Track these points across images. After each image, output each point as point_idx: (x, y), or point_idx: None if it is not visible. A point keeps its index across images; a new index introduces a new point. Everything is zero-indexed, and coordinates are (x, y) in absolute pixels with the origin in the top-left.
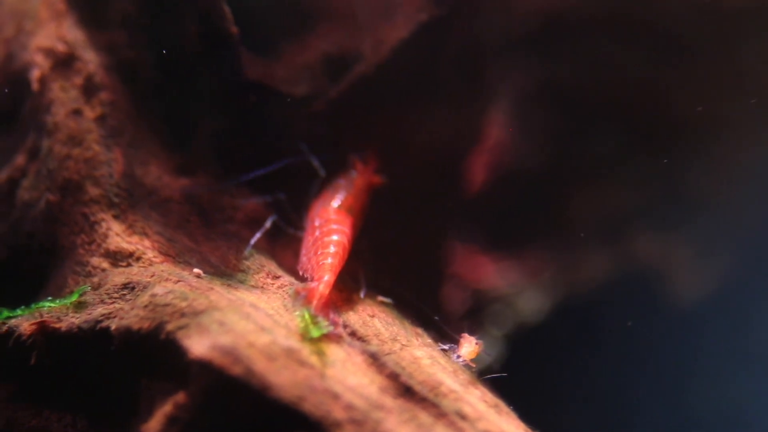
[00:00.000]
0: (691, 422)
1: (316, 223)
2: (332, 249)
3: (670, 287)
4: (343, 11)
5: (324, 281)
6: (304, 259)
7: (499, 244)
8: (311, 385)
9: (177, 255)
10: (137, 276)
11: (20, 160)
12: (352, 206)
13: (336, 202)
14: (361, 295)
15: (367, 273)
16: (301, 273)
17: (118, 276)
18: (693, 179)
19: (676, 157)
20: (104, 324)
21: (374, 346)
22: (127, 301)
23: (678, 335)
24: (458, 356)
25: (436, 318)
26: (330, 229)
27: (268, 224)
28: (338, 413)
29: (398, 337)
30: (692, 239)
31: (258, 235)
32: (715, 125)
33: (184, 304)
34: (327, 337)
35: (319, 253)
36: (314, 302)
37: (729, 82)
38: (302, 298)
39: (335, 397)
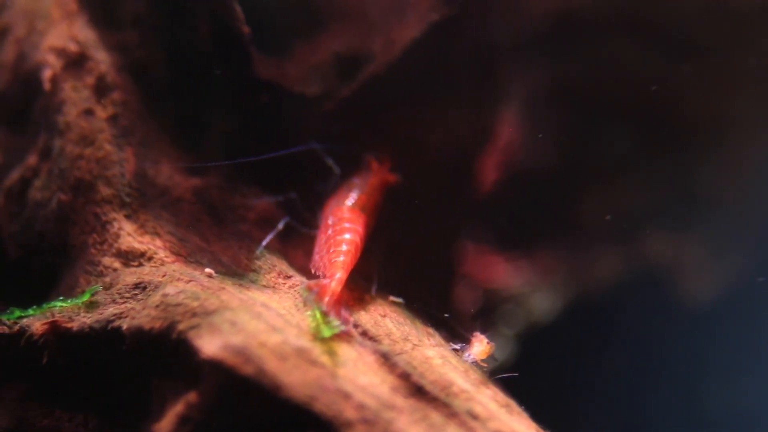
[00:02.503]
0: (703, 421)
1: (330, 221)
2: (344, 247)
3: (682, 287)
4: (354, 11)
5: (336, 278)
6: (316, 257)
7: (510, 244)
8: (322, 385)
9: (188, 255)
10: (149, 276)
11: (32, 159)
12: (366, 205)
13: (350, 201)
14: (373, 291)
15: (379, 272)
16: (313, 271)
17: (129, 276)
18: (704, 179)
19: (687, 157)
20: (116, 324)
21: (385, 346)
22: (139, 300)
23: (690, 335)
24: (469, 355)
25: (446, 315)
26: (343, 228)
27: (280, 226)
28: (349, 413)
29: (409, 337)
30: (704, 239)
31: (270, 236)
32: (726, 125)
33: (195, 303)
34: (338, 337)
35: (331, 251)
36: (326, 299)
37: (740, 82)
38: (314, 294)
39: (346, 396)
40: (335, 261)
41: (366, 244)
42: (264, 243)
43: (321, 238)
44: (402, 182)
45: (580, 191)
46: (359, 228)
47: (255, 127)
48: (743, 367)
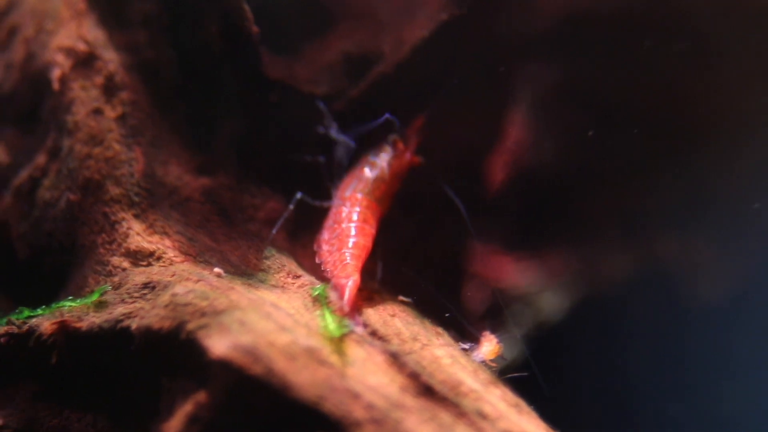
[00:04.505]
0: (712, 421)
1: (344, 213)
2: (355, 251)
3: (693, 287)
4: (363, 11)
5: (353, 280)
6: (325, 247)
7: (519, 244)
8: (331, 385)
9: (197, 254)
10: (158, 275)
11: (41, 159)
12: (385, 194)
13: (367, 189)
14: (378, 273)
15: (387, 269)
16: (318, 260)
17: (138, 275)
18: (717, 179)
19: (698, 156)
20: (125, 323)
21: (395, 346)
22: (148, 300)
23: (700, 335)
24: (478, 355)
25: (447, 315)
26: (355, 227)
27: (291, 207)
28: (358, 413)
29: (419, 337)
30: (715, 239)
31: (285, 216)
32: (739, 125)
33: (204, 303)
34: (347, 337)
35: (342, 251)
36: (345, 299)
37: (754, 82)
38: (337, 293)
39: (355, 396)
40: (347, 264)
41: (378, 229)
42: (279, 222)
43: (333, 228)
44: (426, 163)
45: (589, 191)
46: (372, 229)
47: (265, 126)
48: (754, 367)
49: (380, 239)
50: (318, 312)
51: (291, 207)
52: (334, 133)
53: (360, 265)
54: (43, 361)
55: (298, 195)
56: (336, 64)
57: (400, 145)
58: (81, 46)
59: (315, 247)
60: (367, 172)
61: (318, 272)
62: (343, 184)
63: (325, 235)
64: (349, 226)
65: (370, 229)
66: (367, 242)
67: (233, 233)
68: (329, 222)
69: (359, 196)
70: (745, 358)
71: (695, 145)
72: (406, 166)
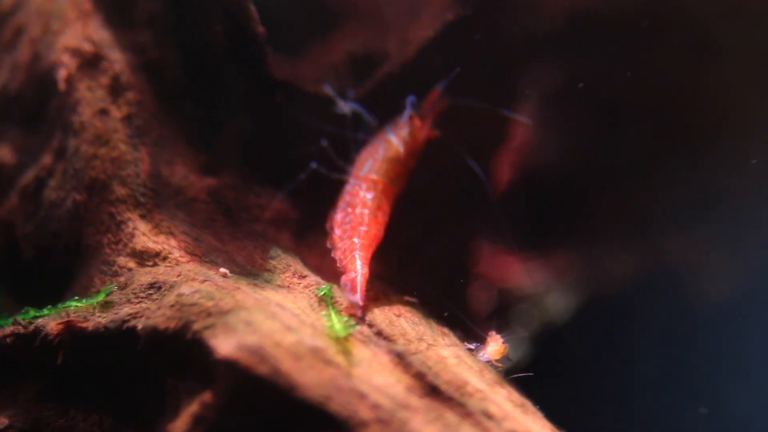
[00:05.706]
0: (721, 422)
1: (359, 196)
2: (365, 241)
3: (699, 287)
4: (368, 11)
5: (362, 274)
6: (337, 231)
7: (525, 244)
8: (337, 385)
9: (203, 254)
10: (164, 275)
11: (46, 159)
12: (399, 175)
13: (382, 170)
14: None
15: (393, 268)
16: (329, 243)
17: (144, 275)
18: (722, 179)
19: (704, 156)
20: (131, 323)
21: (400, 346)
22: (154, 300)
23: (707, 335)
24: (484, 355)
25: (446, 315)
26: (368, 215)
27: (303, 176)
28: (364, 413)
29: (424, 337)
30: (721, 239)
31: (295, 183)
32: (745, 125)
33: (210, 303)
34: (353, 337)
35: (353, 239)
36: (358, 294)
37: (759, 82)
38: (349, 289)
39: (361, 396)
40: (354, 255)
41: (393, 210)
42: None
43: (347, 212)
44: (442, 136)
45: (595, 191)
46: (385, 216)
47: (270, 126)
48: (762, 366)
49: (389, 231)
50: (324, 312)
51: (302, 176)
52: (353, 106)
53: (369, 256)
54: (49, 361)
55: (313, 164)
56: (341, 64)
57: (416, 121)
58: (87, 47)
59: (327, 227)
60: (382, 152)
61: (324, 272)
62: (358, 162)
63: (338, 216)
64: (363, 212)
65: (384, 216)
66: (379, 231)
67: (238, 233)
68: (343, 202)
69: (374, 177)
70: (753, 358)
71: (700, 145)
72: (423, 142)
